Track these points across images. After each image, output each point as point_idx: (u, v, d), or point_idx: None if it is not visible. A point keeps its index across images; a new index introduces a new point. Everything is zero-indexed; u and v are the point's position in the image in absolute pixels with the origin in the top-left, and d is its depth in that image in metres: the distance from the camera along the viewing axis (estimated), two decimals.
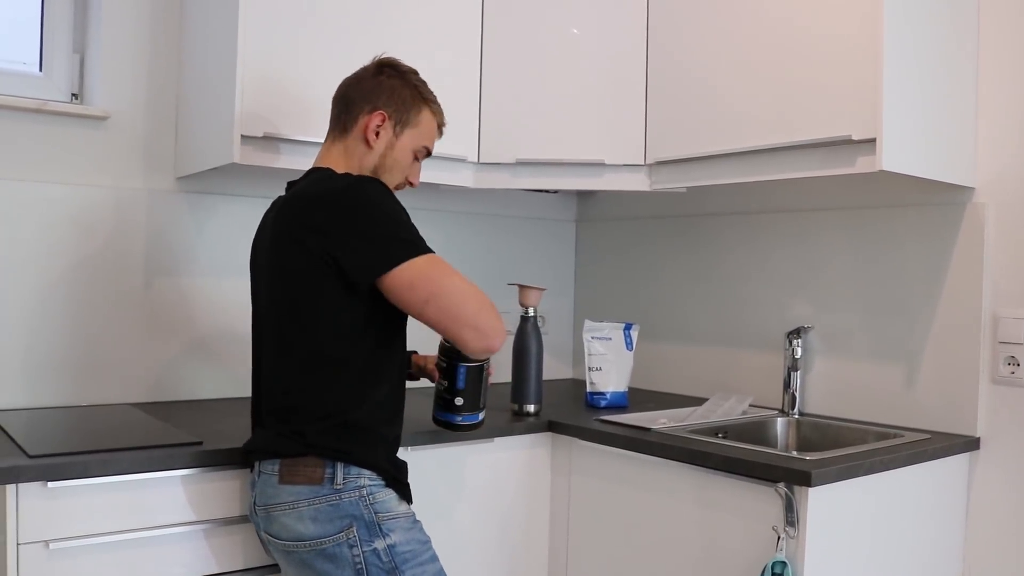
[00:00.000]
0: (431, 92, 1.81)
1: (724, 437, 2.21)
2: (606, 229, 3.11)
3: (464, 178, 2.46)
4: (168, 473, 1.71)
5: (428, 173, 2.36)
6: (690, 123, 2.31)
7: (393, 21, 2.27)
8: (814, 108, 2.02)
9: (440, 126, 1.84)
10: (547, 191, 3.01)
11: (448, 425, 1.86)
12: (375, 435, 1.64)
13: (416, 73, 1.80)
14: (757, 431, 2.33)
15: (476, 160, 2.45)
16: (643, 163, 2.42)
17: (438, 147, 2.31)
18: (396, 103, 1.75)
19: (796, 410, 2.41)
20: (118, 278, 2.30)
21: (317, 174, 1.71)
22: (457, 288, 1.61)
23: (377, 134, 1.74)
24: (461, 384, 1.80)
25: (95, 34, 2.32)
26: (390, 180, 1.76)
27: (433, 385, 1.88)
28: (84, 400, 2.24)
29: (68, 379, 2.22)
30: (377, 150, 1.75)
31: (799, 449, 2.32)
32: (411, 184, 1.82)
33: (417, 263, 1.59)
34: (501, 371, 2.81)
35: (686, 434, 2.08)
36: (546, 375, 2.97)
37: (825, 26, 1.99)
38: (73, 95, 2.37)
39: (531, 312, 2.32)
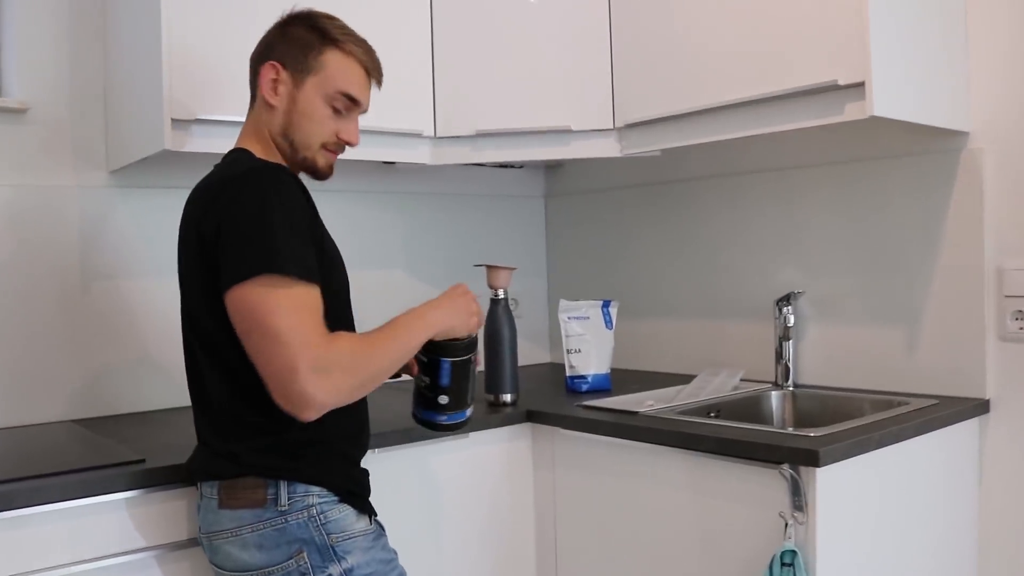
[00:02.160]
0: (347, 33, 1.53)
1: (716, 416, 2.06)
2: (577, 203, 2.94)
3: (421, 154, 2.28)
4: (107, 497, 1.53)
5: (381, 151, 2.19)
6: (660, 80, 2.14)
7: None
8: (794, 54, 1.85)
9: (367, 69, 1.54)
10: (512, 165, 2.85)
11: (431, 425, 1.62)
12: (325, 448, 1.44)
13: (332, 19, 1.54)
14: (751, 407, 2.18)
15: (433, 134, 2.28)
16: (612, 127, 2.25)
17: (390, 122, 2.17)
18: (292, 49, 1.49)
19: (791, 382, 2.26)
20: (50, 284, 2.10)
21: (226, 158, 1.51)
22: (276, 333, 1.27)
23: (276, 90, 1.49)
24: (445, 381, 1.55)
25: (8, 19, 2.12)
26: (307, 141, 1.50)
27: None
28: (16, 420, 2.05)
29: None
30: (280, 108, 1.50)
31: (797, 424, 2.17)
32: (348, 143, 1.54)
33: (247, 287, 1.29)
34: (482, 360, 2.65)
35: (675, 415, 1.93)
36: (522, 361, 2.79)
37: None
38: None
39: (501, 294, 2.15)
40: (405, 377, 1.62)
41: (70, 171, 2.15)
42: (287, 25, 1.52)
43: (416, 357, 1.55)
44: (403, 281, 2.68)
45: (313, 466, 1.41)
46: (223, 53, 1.90)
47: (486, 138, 2.28)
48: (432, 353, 1.53)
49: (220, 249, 1.33)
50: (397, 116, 2.20)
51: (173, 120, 1.86)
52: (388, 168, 2.53)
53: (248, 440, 1.40)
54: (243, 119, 1.89)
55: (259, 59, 1.52)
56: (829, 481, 1.57)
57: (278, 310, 1.28)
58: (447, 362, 1.54)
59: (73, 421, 2.09)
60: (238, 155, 1.49)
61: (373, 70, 1.56)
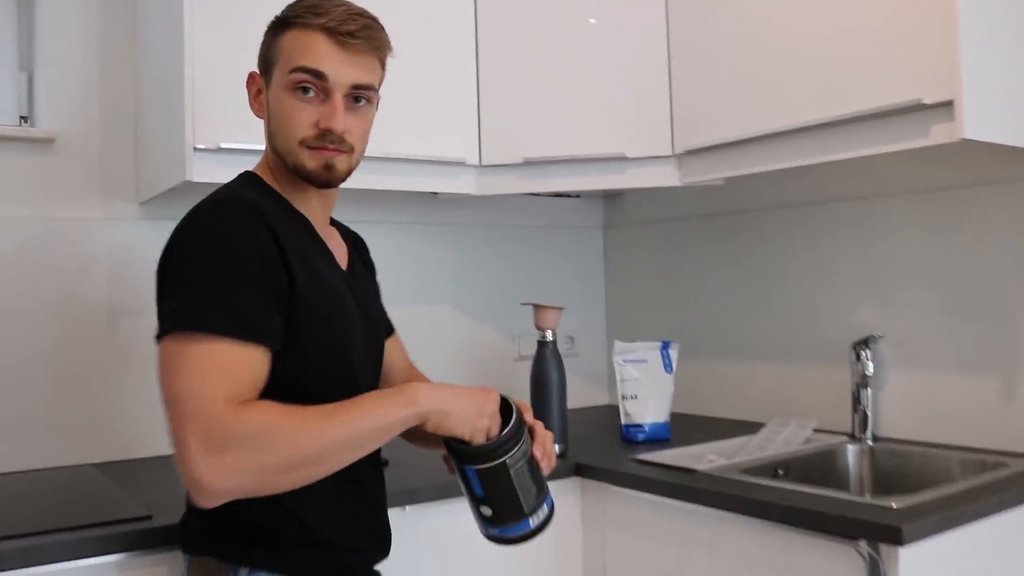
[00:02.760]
0: (310, 7, 1.25)
1: (785, 474, 1.86)
2: (638, 234, 2.76)
3: (465, 184, 2.13)
4: (106, 559, 1.40)
5: (422, 180, 2.05)
6: (723, 102, 1.96)
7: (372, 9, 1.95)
8: (872, 71, 1.66)
9: (329, 31, 1.23)
10: (568, 194, 2.68)
11: (496, 540, 1.29)
12: (287, 534, 1.22)
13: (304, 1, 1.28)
14: (824, 464, 1.96)
15: (478, 162, 2.13)
16: (671, 153, 2.08)
17: (432, 150, 2.03)
18: (261, 50, 1.34)
19: (869, 434, 2.04)
20: (76, 320, 2.00)
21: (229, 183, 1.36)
22: (174, 399, 1.08)
23: (258, 100, 1.33)
24: (478, 491, 1.24)
25: (40, 47, 2.05)
26: (286, 144, 1.26)
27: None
28: (38, 463, 1.94)
29: (18, 439, 1.93)
30: (264, 119, 1.33)
31: (876, 485, 1.95)
32: (328, 130, 1.24)
33: (164, 343, 1.12)
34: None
35: (738, 475, 1.73)
36: (580, 403, 2.64)
37: None
38: (23, 117, 2.10)
39: (549, 336, 1.98)
40: None
41: (98, 202, 2.06)
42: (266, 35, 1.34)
43: (445, 456, 1.30)
44: (450, 318, 2.53)
45: (274, 553, 1.21)
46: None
47: (534, 167, 2.12)
48: (454, 456, 1.24)
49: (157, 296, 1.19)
50: (439, 144, 2.06)
51: (195, 149, 1.75)
52: (432, 198, 2.39)
53: (206, 514, 1.18)
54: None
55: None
56: (914, 561, 1.35)
57: (182, 370, 1.08)
58: (471, 470, 1.22)
59: (93, 464, 1.98)
60: (234, 180, 1.34)
61: (338, 29, 1.23)
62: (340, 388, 1.20)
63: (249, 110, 1.35)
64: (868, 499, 1.51)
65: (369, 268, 1.55)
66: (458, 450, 1.21)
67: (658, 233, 2.68)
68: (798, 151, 1.83)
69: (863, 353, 2.04)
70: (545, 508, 1.28)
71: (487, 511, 1.24)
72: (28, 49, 2.10)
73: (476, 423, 1.19)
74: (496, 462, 1.20)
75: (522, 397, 2.30)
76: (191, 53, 1.75)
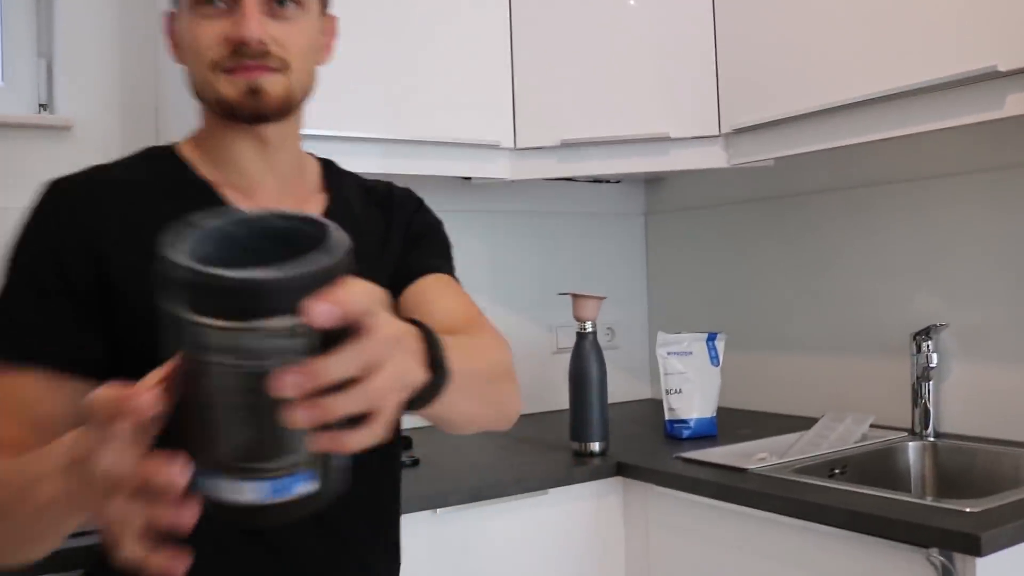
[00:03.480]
0: None
1: (842, 473, 1.74)
2: (681, 220, 2.64)
3: (499, 168, 2.03)
4: None
5: (453, 164, 1.95)
6: (773, 76, 1.83)
7: None
8: (937, 37, 1.53)
9: None
10: (607, 180, 2.57)
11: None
12: None
13: None
14: (883, 462, 1.84)
15: (512, 145, 2.02)
16: (717, 133, 1.95)
17: (463, 132, 1.94)
18: None
19: (930, 430, 1.91)
20: None
21: None
22: None
23: (174, 42, 1.08)
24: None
25: (60, 34, 1.98)
26: (199, 74, 1.01)
27: None
28: None
29: None
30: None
31: (940, 485, 1.82)
32: (239, 41, 0.98)
33: None
34: (556, 399, 2.36)
35: (792, 474, 1.61)
36: (621, 397, 2.53)
37: None
38: (42, 105, 2.03)
39: (589, 327, 1.88)
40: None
41: None
42: None
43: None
44: (487, 311, 2.39)
45: None
46: None
47: (572, 149, 2.01)
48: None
49: None
50: (471, 126, 1.96)
51: None
52: (464, 184, 2.29)
53: None
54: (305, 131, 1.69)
55: None
56: (994, 573, 1.23)
57: None
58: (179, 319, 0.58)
59: None
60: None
61: None
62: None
63: None
64: (938, 502, 1.39)
65: (411, 236, 1.20)
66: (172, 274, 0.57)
67: (702, 219, 2.56)
68: (855, 128, 1.70)
69: (924, 344, 1.91)
70: (294, 481, 0.61)
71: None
72: (47, 35, 2.02)
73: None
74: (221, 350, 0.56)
75: (560, 391, 2.23)
76: None
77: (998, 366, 1.87)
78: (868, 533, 1.35)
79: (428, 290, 1.13)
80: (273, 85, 1.00)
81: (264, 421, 0.58)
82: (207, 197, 1.04)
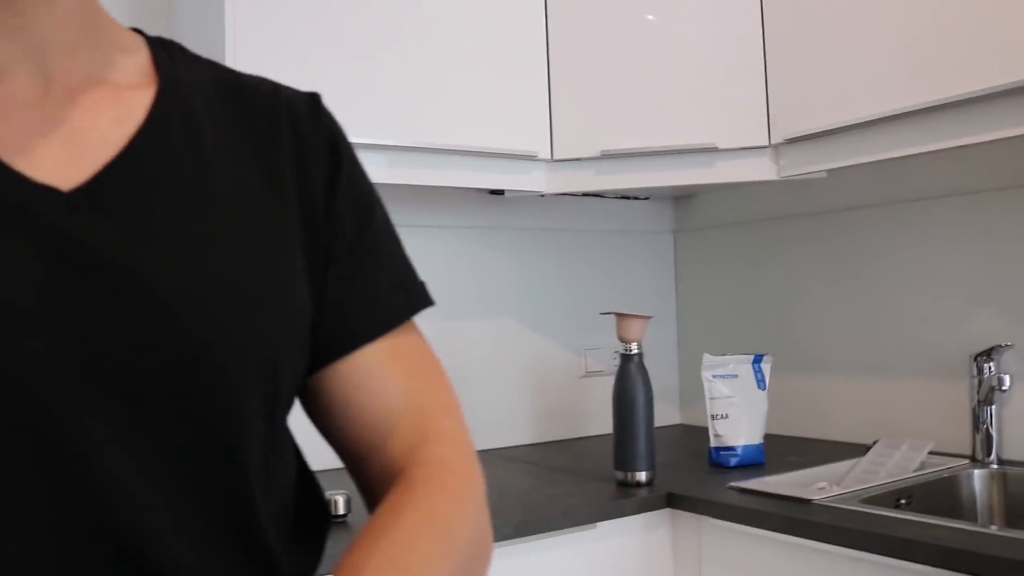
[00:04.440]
0: None
1: (908, 504, 1.62)
2: (712, 239, 2.53)
3: (535, 180, 1.92)
4: None
5: (487, 176, 1.85)
6: (829, 83, 1.73)
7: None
8: (996, 43, 1.43)
9: None
10: (635, 196, 2.47)
11: None
12: None
13: None
14: (948, 491, 1.73)
15: (549, 156, 1.91)
16: (767, 143, 1.85)
17: (497, 142, 1.84)
18: None
19: (993, 456, 1.80)
20: None
21: None
22: None
23: None
24: None
25: None
26: None
27: None
28: None
29: None
30: None
31: (1010, 516, 1.71)
32: None
33: None
34: (600, 424, 2.26)
35: (859, 505, 1.50)
36: None
37: None
38: None
39: (635, 348, 1.77)
40: None
41: None
42: None
43: None
44: (514, 331, 2.30)
45: None
46: (286, 46, 1.60)
47: (613, 160, 1.90)
48: None
49: None
50: (505, 135, 1.85)
51: None
52: (495, 199, 2.18)
53: None
54: None
55: None
56: None
57: None
58: None
59: None
60: None
61: None
62: None
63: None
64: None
65: (339, 216, 0.72)
66: None
67: (735, 237, 2.46)
68: (913, 138, 1.61)
69: (986, 366, 1.81)
70: None
71: None
72: None
73: None
74: None
75: (592, 418, 2.11)
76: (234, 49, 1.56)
77: None
78: (955, 569, 1.24)
79: (371, 375, 0.71)
80: None
81: None
82: None
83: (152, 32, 0.73)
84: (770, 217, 2.35)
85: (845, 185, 2.14)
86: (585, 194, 2.07)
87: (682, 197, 2.60)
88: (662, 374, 2.58)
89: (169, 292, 0.58)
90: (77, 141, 0.60)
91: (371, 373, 0.71)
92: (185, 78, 0.68)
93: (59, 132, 0.60)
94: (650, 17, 1.89)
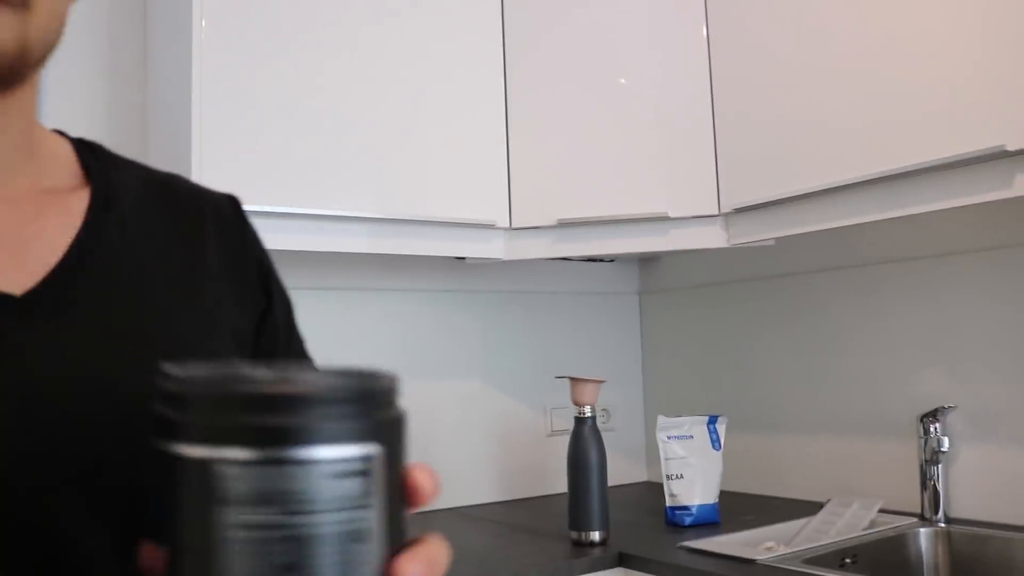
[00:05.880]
0: None
1: (853, 563, 1.67)
2: (677, 300, 2.60)
3: (494, 248, 1.99)
4: None
5: (448, 244, 1.92)
6: (774, 155, 1.81)
7: (397, 65, 1.84)
8: (944, 116, 1.51)
9: None
10: (601, 259, 2.53)
11: None
12: None
13: None
14: (895, 551, 1.77)
15: (508, 225, 1.99)
16: (717, 212, 1.93)
17: (458, 211, 1.90)
18: None
19: (940, 515, 1.85)
20: None
21: None
22: None
23: None
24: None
25: (47, 69, 1.92)
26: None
27: None
28: None
29: None
30: None
31: (954, 572, 1.76)
32: None
33: None
34: (552, 483, 2.30)
35: (801, 566, 1.54)
36: (617, 480, 2.46)
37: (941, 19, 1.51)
38: None
39: (588, 411, 1.82)
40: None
41: None
42: None
43: None
44: (481, 392, 2.36)
45: None
46: (260, 139, 1.67)
47: (569, 228, 1.97)
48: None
49: None
50: (466, 205, 1.92)
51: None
52: (456, 264, 2.25)
53: None
54: (284, 209, 1.66)
55: None
56: None
57: None
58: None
59: None
60: None
61: None
62: None
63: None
64: None
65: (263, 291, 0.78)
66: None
67: (699, 298, 2.53)
68: (858, 207, 1.68)
69: (932, 426, 1.86)
70: None
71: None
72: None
73: None
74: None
75: (558, 476, 2.15)
76: (199, 79, 1.63)
77: (1009, 449, 1.82)
78: None
79: None
80: (5, 26, 0.61)
81: None
82: None
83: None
84: (730, 280, 2.42)
85: (799, 250, 2.21)
86: (552, 257, 2.14)
87: (647, 259, 2.67)
88: (628, 433, 2.63)
89: (130, 391, 0.58)
90: (25, 249, 0.63)
91: None
92: (115, 179, 0.72)
93: (6, 241, 0.63)
94: (603, 92, 1.98)
